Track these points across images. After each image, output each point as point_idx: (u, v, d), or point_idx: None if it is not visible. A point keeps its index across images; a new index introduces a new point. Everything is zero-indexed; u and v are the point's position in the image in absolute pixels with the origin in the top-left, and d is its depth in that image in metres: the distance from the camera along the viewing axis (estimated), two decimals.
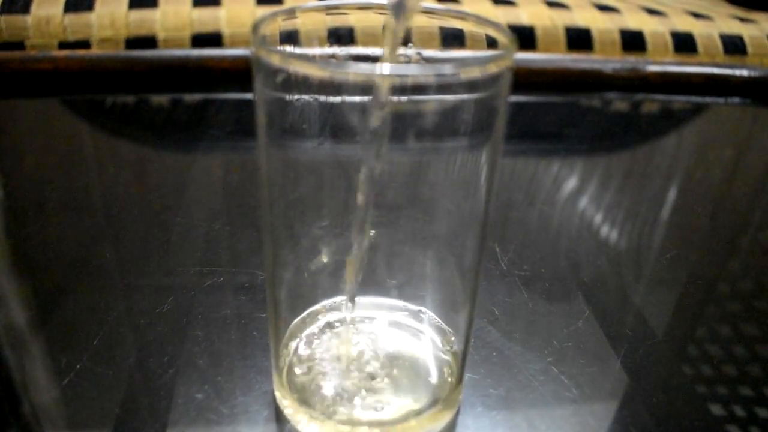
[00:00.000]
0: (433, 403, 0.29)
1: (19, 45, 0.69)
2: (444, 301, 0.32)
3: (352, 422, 0.28)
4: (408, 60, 0.27)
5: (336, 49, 0.30)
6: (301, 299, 0.32)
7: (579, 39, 0.76)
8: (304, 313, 0.32)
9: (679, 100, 0.74)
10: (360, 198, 0.26)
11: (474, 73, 0.22)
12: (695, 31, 0.78)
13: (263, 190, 0.27)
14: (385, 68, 0.22)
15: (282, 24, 0.26)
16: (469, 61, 0.22)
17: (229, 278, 0.39)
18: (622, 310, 0.39)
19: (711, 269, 0.45)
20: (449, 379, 0.30)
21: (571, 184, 0.55)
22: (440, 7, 0.27)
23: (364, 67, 0.22)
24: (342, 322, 0.30)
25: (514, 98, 0.25)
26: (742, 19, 0.82)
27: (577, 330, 0.36)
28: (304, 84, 0.23)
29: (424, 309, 0.32)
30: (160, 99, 0.68)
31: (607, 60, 0.72)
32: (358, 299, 0.31)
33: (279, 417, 0.30)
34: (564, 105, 0.72)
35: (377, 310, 0.33)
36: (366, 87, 0.23)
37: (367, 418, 0.28)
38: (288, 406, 0.29)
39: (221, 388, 0.31)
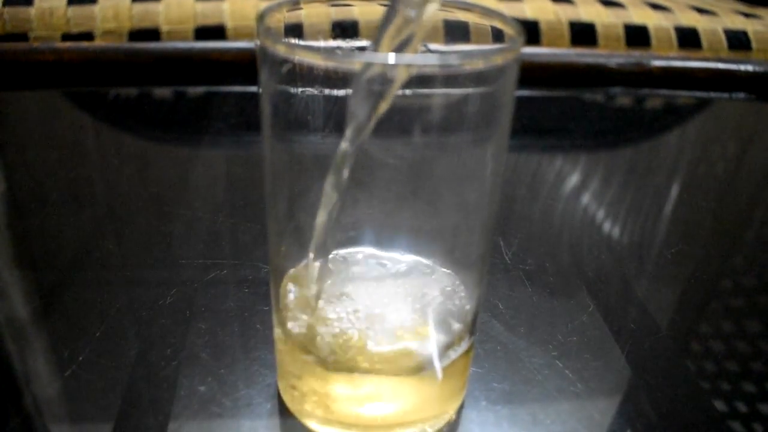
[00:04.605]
0: (438, 360, 0.28)
1: (23, 36, 0.69)
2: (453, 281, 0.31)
3: (349, 369, 0.27)
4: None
5: (340, 42, 0.30)
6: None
7: (583, 34, 0.75)
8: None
9: (684, 95, 0.73)
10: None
11: (478, 64, 0.22)
12: (699, 27, 0.78)
13: (268, 181, 0.27)
14: (390, 58, 0.21)
15: (286, 15, 0.26)
16: (475, 52, 0.22)
17: (232, 271, 0.39)
18: (626, 304, 0.39)
19: (715, 264, 0.45)
20: (457, 339, 0.29)
21: (575, 178, 0.54)
22: None
23: (369, 57, 0.21)
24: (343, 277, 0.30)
25: (518, 92, 0.24)
26: (746, 15, 0.82)
27: (582, 324, 0.36)
28: (309, 74, 0.22)
29: (432, 263, 0.31)
30: (164, 91, 0.68)
31: (611, 55, 0.72)
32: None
33: (282, 409, 0.30)
34: (568, 99, 0.72)
35: (387, 264, 0.31)
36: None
37: (365, 370, 0.27)
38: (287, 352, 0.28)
39: (224, 381, 0.31)
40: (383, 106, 0.24)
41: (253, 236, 0.43)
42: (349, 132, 0.24)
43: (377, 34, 0.24)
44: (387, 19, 0.23)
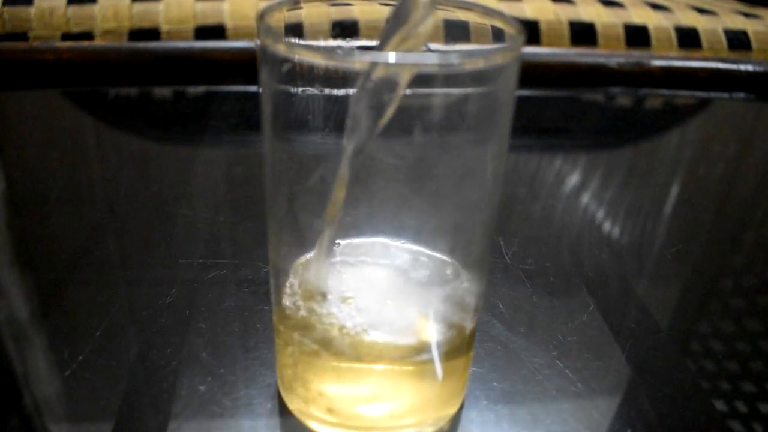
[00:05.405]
0: (438, 355, 0.28)
1: (23, 36, 0.69)
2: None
3: (351, 363, 0.27)
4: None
5: (340, 42, 0.30)
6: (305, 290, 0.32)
7: (583, 33, 0.75)
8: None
9: (684, 95, 0.73)
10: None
11: (479, 63, 0.22)
12: (699, 26, 0.78)
13: (268, 180, 0.27)
14: (390, 57, 0.21)
15: (287, 15, 0.26)
16: (476, 51, 0.22)
17: (232, 270, 0.39)
18: (626, 304, 0.39)
19: (715, 264, 0.45)
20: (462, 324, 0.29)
21: (575, 178, 0.54)
22: None
23: (369, 56, 0.21)
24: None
25: (518, 92, 0.24)
26: (746, 15, 0.82)
27: (582, 324, 0.36)
28: (309, 73, 0.22)
29: (436, 256, 0.31)
30: (164, 91, 0.68)
31: (611, 54, 0.72)
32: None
33: (282, 409, 0.30)
34: (568, 99, 0.72)
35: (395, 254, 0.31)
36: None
37: (367, 364, 0.27)
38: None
39: (224, 381, 0.31)
40: (388, 112, 0.24)
41: (253, 236, 0.43)
42: (352, 138, 0.24)
43: (379, 42, 0.24)
44: (388, 31, 0.23)
